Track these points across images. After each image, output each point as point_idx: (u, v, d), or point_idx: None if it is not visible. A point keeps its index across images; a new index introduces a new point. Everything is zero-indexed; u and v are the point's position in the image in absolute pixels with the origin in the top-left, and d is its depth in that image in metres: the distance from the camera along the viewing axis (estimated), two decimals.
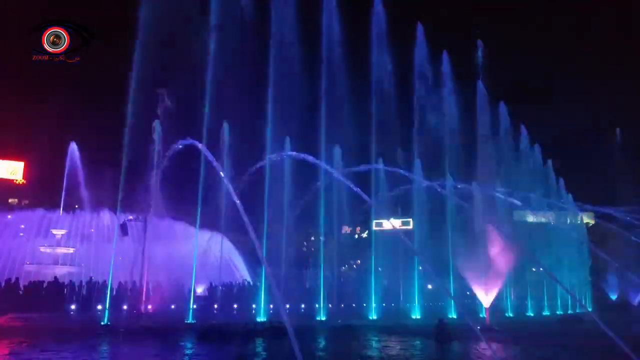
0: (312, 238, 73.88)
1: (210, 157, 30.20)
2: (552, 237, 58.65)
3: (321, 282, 42.05)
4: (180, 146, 34.11)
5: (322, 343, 26.80)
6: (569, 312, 60.25)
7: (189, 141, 32.99)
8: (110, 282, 34.41)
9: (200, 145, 32.81)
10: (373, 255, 47.82)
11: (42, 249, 52.89)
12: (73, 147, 50.11)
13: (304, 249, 72.19)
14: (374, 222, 54.61)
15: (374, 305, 45.01)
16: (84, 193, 50.64)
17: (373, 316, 43.46)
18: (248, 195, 38.60)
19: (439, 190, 45.18)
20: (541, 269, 56.65)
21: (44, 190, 72.44)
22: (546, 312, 59.03)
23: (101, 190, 50.08)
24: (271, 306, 38.30)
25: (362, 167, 44.18)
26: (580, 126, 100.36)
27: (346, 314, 43.03)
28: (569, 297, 61.69)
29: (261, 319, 35.74)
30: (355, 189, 29.09)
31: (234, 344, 24.42)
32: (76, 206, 55.40)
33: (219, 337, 26.29)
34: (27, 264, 50.87)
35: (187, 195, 39.13)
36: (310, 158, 35.35)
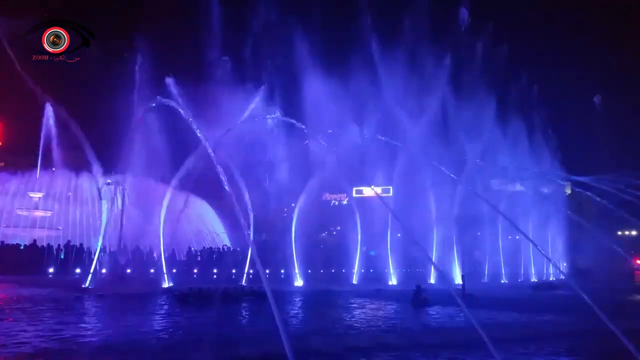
0: (293, 204, 73.89)
1: (187, 116, 29.56)
2: (530, 205, 59.50)
3: (299, 248, 42.37)
4: (154, 105, 33.35)
5: (301, 306, 27.17)
6: (543, 279, 61.68)
7: (165, 100, 32.21)
8: (93, 245, 34.07)
9: (175, 105, 32.08)
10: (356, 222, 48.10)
11: (19, 212, 52.18)
12: (48, 108, 48.85)
13: (285, 215, 72.12)
14: (355, 189, 54.75)
15: (353, 271, 45.63)
16: (62, 155, 49.67)
17: (352, 282, 44.08)
18: (228, 157, 38.28)
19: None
20: (517, 237, 57.78)
21: (20, 152, 70.96)
22: (521, 279, 60.38)
23: (79, 153, 49.17)
24: (251, 271, 38.59)
25: (342, 132, 44.00)
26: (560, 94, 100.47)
27: (325, 280, 43.55)
28: (543, 264, 63.16)
29: (241, 284, 35.99)
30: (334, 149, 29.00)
31: (214, 308, 24.59)
32: (53, 169, 54.40)
33: (198, 301, 26.44)
34: (3, 226, 50.26)
35: (166, 158, 38.66)
36: (291, 120, 35.04)
